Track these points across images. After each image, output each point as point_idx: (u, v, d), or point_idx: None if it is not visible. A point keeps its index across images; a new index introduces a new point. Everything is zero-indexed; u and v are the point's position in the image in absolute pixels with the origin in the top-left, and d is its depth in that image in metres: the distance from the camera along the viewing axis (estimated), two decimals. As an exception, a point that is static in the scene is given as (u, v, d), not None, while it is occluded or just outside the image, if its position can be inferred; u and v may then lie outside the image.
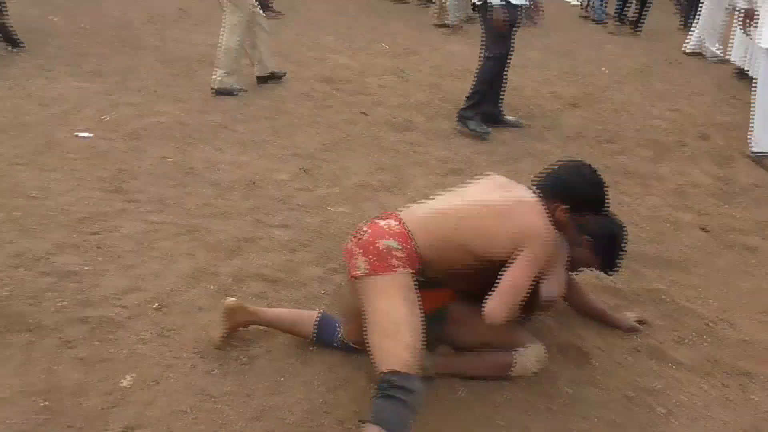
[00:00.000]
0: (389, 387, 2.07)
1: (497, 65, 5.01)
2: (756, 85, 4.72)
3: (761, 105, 4.61)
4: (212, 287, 3.11)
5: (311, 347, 2.68)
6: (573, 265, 2.76)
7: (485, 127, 5.05)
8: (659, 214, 3.80)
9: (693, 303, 3.00)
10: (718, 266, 3.28)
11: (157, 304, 2.96)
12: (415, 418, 2.11)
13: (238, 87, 6.00)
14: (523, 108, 5.71)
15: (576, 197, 2.42)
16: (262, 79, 6.37)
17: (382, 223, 2.38)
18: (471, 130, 5.01)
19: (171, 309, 2.94)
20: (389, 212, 2.48)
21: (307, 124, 5.36)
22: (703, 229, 3.63)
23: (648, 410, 2.37)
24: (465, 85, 6.33)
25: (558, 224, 2.43)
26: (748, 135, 4.64)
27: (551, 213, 2.40)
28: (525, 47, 7.45)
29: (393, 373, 2.09)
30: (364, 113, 5.58)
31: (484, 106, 5.14)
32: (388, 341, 2.15)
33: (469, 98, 5.12)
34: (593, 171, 2.49)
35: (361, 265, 2.27)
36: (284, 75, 6.45)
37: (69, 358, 2.61)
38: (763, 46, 4.50)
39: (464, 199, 2.45)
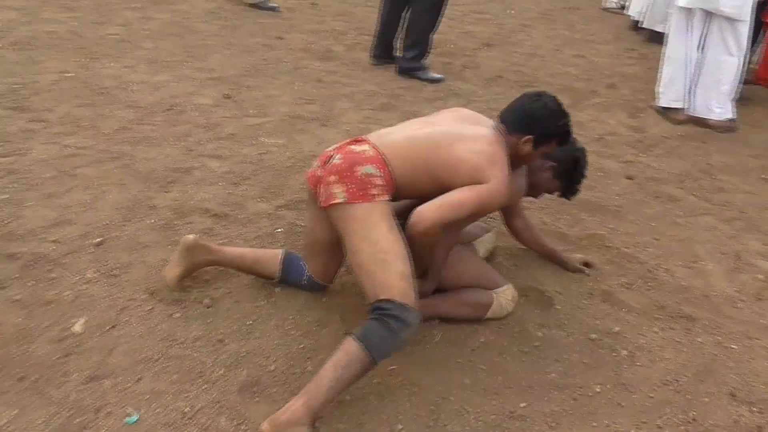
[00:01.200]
0: (383, 315, 2.02)
1: (437, 11, 4.84)
2: (666, 40, 4.93)
3: (669, 60, 4.84)
4: (153, 221, 2.86)
5: (276, 288, 2.55)
6: (534, 190, 2.75)
7: (436, 75, 4.90)
8: (588, 160, 3.91)
9: (631, 249, 3.15)
10: (648, 215, 3.45)
11: (95, 239, 2.68)
12: (399, 350, 2.08)
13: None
14: (441, 45, 5.64)
15: (541, 128, 2.38)
16: (254, 6, 6.05)
17: (356, 148, 2.26)
18: (424, 80, 4.83)
19: (112, 245, 2.68)
20: (359, 137, 2.36)
21: (221, 45, 5.00)
22: (629, 178, 3.80)
23: (613, 352, 2.47)
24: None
25: (521, 156, 2.42)
26: (656, 88, 4.87)
27: (515, 146, 2.38)
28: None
29: (389, 301, 2.04)
30: (280, 38, 5.29)
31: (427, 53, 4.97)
32: (380, 271, 2.08)
33: (410, 49, 4.86)
34: (557, 101, 2.43)
35: (339, 193, 2.15)
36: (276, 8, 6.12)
37: (3, 299, 2.32)
38: (678, 3, 4.68)
39: (435, 128, 2.36)
